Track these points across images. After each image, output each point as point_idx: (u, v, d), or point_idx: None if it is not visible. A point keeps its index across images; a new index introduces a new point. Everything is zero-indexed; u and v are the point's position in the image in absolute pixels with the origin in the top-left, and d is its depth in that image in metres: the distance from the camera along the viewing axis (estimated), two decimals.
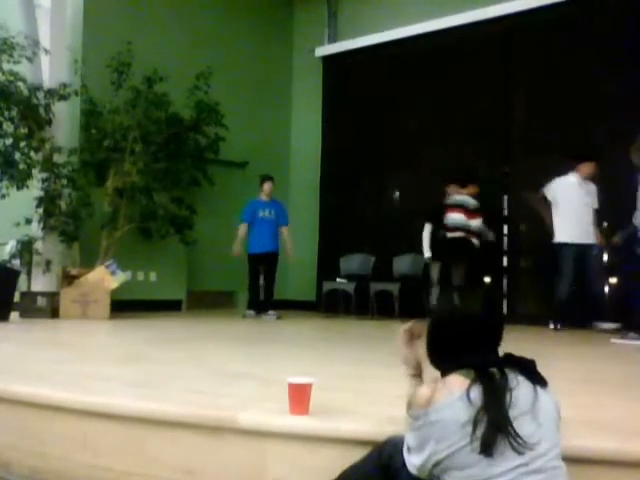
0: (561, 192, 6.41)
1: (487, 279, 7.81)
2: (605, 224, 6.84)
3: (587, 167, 6.40)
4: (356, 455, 1.97)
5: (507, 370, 1.66)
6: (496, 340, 1.79)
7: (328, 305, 8.41)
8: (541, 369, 1.75)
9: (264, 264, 7.69)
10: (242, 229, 7.73)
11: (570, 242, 6.32)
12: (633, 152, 5.87)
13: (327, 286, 8.44)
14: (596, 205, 6.40)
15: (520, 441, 1.57)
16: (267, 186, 7.75)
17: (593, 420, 2.44)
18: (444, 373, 1.73)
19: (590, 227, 6.37)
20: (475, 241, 7.02)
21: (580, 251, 6.31)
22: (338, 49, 9.32)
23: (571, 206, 6.35)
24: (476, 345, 1.74)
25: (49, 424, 2.67)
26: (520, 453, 1.57)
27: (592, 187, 6.43)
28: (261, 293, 7.80)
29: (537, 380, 1.69)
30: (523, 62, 7.72)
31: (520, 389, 1.63)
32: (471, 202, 7.05)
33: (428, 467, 1.68)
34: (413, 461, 1.72)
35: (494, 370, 1.65)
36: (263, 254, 7.62)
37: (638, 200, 5.69)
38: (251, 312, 7.66)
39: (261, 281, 7.78)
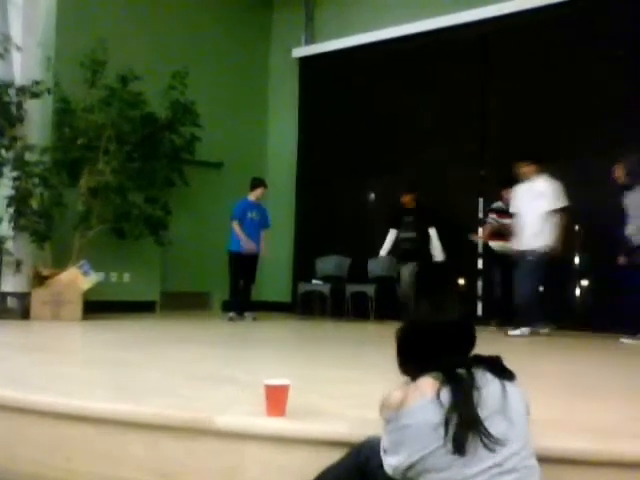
0: (515, 205, 6.48)
1: (461, 281, 7.88)
2: (577, 227, 6.94)
3: (522, 167, 6.36)
4: (333, 457, 1.97)
5: (475, 369, 1.67)
6: (468, 344, 1.78)
7: (303, 306, 8.40)
8: (519, 372, 1.76)
9: (247, 265, 7.60)
10: (237, 227, 7.56)
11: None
12: (619, 170, 6.03)
13: (303, 287, 8.43)
14: (549, 206, 6.13)
15: (492, 439, 1.58)
16: (260, 191, 7.69)
17: (567, 420, 2.47)
18: (414, 377, 1.73)
19: (535, 231, 6.15)
20: (493, 243, 7.15)
21: (512, 260, 6.41)
22: (315, 51, 9.33)
23: (519, 216, 6.35)
24: (448, 349, 1.74)
25: (22, 427, 2.62)
26: (492, 450, 1.58)
27: (539, 188, 6.23)
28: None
29: (504, 375, 1.71)
30: (500, 66, 7.79)
31: (488, 387, 1.64)
32: (494, 206, 7.22)
33: (402, 469, 1.68)
34: (388, 461, 1.72)
35: (461, 371, 1.66)
36: (249, 255, 7.54)
37: (629, 214, 5.89)
38: (233, 314, 7.47)
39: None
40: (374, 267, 8.10)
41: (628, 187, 6.01)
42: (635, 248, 5.89)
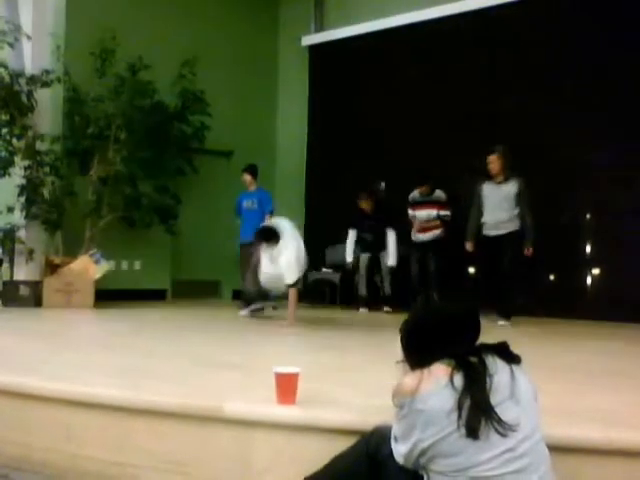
0: None
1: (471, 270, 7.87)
2: None
3: None
4: (343, 445, 1.97)
5: (485, 356, 1.69)
6: (476, 332, 1.80)
7: (313, 295, 8.40)
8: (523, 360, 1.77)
9: (250, 254, 7.60)
10: (237, 223, 7.68)
11: None
12: (495, 162, 6.08)
13: (312, 276, 8.43)
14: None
15: (505, 425, 1.60)
16: (242, 177, 7.55)
17: (577, 409, 2.47)
18: (424, 366, 1.73)
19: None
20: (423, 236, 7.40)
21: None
22: (324, 38, 9.27)
23: None
24: (458, 339, 1.76)
25: (33, 414, 2.64)
26: (504, 436, 1.59)
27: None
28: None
29: (511, 358, 1.73)
30: (510, 52, 7.71)
31: (499, 374, 1.66)
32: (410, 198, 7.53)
33: (414, 455, 1.69)
34: (400, 450, 1.73)
35: (473, 358, 1.68)
36: (248, 244, 7.55)
37: (496, 205, 6.07)
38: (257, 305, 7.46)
39: None
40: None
41: (500, 179, 6.11)
42: (506, 234, 6.05)
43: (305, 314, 7.42)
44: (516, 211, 6.08)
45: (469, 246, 6.31)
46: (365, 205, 7.56)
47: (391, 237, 7.42)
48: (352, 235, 7.60)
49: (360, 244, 7.65)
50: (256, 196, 7.64)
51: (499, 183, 6.15)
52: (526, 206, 6.05)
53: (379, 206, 7.58)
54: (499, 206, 6.10)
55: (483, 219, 6.24)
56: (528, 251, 6.03)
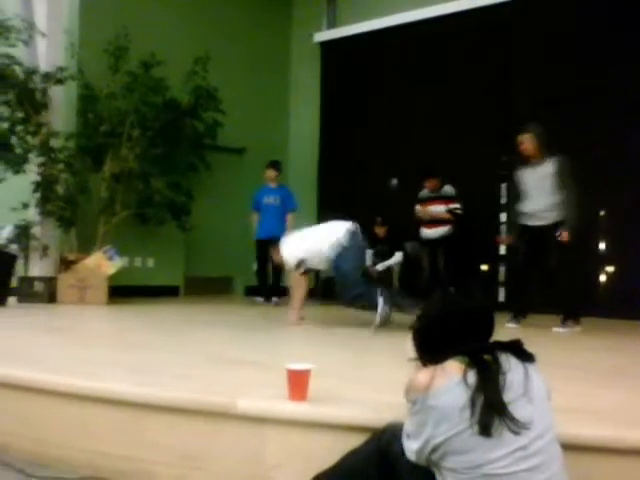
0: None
1: (484, 267, 7.84)
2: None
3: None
4: (355, 441, 1.98)
5: (498, 354, 1.69)
6: (490, 330, 1.81)
7: (325, 292, 8.40)
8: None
9: (267, 251, 7.65)
10: (252, 218, 7.90)
11: None
12: (528, 142, 5.46)
13: (323, 274, 8.42)
14: None
15: (518, 423, 1.60)
16: (267, 173, 7.79)
17: (589, 408, 2.46)
18: (437, 362, 1.74)
19: None
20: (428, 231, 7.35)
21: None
22: (337, 35, 9.25)
23: None
24: (472, 336, 1.76)
25: (48, 409, 2.67)
26: (517, 434, 1.59)
27: None
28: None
29: (525, 357, 1.73)
30: (524, 49, 7.65)
31: (512, 372, 1.66)
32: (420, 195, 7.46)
33: (426, 452, 1.69)
34: (411, 446, 1.73)
35: (487, 356, 1.68)
36: (267, 240, 7.57)
37: (535, 189, 5.42)
38: (259, 299, 7.72)
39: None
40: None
41: (535, 161, 5.46)
42: (550, 226, 5.38)
43: (316, 311, 7.45)
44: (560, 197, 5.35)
45: (505, 239, 5.87)
46: (378, 230, 7.70)
47: (396, 257, 7.56)
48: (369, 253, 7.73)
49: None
50: (279, 192, 7.72)
51: (534, 165, 5.45)
52: (564, 182, 5.27)
53: (391, 232, 7.69)
54: (537, 191, 5.39)
55: (522, 208, 5.53)
56: (561, 235, 5.25)
